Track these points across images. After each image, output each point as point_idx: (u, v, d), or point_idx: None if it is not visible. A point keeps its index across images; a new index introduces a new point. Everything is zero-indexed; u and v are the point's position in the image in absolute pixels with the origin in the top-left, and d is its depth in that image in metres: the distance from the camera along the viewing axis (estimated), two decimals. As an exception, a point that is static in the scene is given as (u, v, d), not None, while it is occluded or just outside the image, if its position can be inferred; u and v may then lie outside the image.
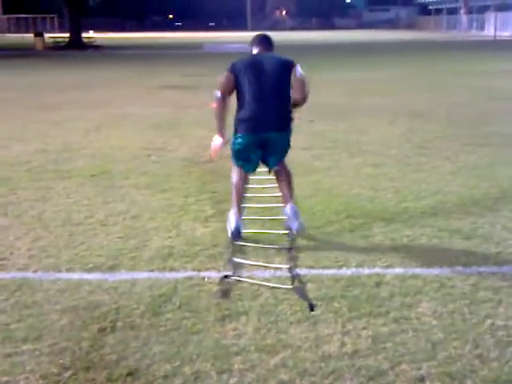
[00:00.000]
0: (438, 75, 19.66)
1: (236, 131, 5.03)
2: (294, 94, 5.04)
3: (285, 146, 5.13)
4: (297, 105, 5.12)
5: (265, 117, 4.93)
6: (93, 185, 6.79)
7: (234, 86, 5.00)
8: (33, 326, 3.66)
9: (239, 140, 5.00)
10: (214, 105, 5.14)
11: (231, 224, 5.03)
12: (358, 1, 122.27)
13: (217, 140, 5.16)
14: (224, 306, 3.89)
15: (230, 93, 5.07)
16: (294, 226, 5.01)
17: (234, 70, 5.02)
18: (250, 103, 4.93)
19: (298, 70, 5.00)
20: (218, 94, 5.07)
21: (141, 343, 3.48)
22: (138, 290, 4.13)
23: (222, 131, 5.14)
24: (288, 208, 5.09)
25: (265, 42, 5.28)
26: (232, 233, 4.99)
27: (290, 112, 5.07)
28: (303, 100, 5.11)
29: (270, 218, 5.57)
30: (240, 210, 5.11)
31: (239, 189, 5.15)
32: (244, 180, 5.16)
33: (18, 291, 4.14)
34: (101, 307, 3.90)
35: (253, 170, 5.18)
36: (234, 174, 5.20)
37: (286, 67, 5.01)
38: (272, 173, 5.27)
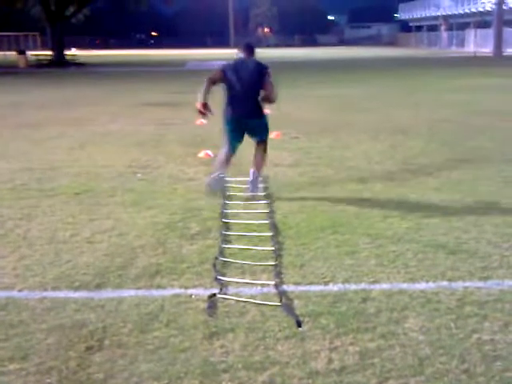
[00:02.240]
0: (419, 91, 19.84)
1: (225, 116, 6.84)
2: (266, 92, 6.77)
3: (263, 127, 6.96)
4: (268, 100, 6.83)
5: (243, 109, 6.78)
6: (77, 203, 6.76)
7: (221, 80, 6.82)
8: (19, 346, 3.64)
9: (227, 122, 6.87)
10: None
11: (206, 181, 6.99)
12: (340, 18, 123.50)
13: (197, 103, 6.83)
14: (211, 324, 3.89)
15: (215, 82, 6.84)
16: (249, 188, 6.86)
17: (224, 69, 6.82)
18: (233, 98, 6.78)
19: (269, 76, 6.76)
20: (208, 79, 6.80)
21: (128, 361, 3.46)
22: (125, 308, 4.12)
23: (202, 99, 6.80)
24: (251, 172, 6.88)
25: (248, 49, 6.98)
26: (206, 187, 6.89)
27: (261, 104, 6.84)
28: (272, 99, 6.82)
29: (256, 234, 5.59)
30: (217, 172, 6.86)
31: (221, 163, 6.95)
32: (226, 159, 6.96)
33: (3, 310, 4.11)
34: (87, 326, 3.88)
35: (236, 143, 6.97)
36: (220, 154, 7.09)
37: (261, 71, 6.78)
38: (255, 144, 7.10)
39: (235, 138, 6.93)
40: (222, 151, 7.05)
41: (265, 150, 7.07)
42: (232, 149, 6.98)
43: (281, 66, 32.39)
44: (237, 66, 6.82)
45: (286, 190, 7.19)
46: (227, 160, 6.99)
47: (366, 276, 4.60)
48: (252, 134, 7.00)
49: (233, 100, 6.79)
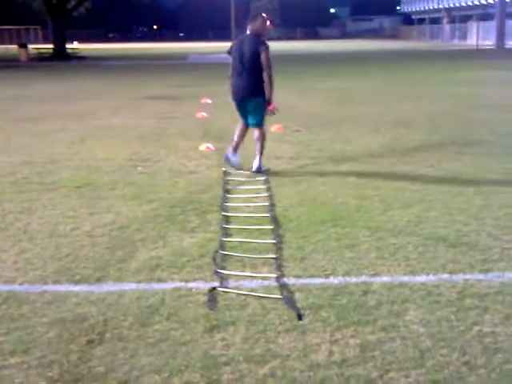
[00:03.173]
0: (420, 84, 19.81)
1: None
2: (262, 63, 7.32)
3: (257, 107, 7.47)
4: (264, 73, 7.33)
5: (240, 87, 7.49)
6: (78, 196, 6.76)
7: None
8: (20, 339, 3.64)
9: (231, 100, 7.74)
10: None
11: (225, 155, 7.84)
12: (342, 11, 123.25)
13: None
14: (212, 317, 3.89)
15: None
16: (253, 167, 7.66)
17: (230, 51, 7.62)
18: (234, 77, 7.58)
19: (264, 54, 7.27)
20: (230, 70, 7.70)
21: (129, 355, 3.46)
22: (126, 302, 4.12)
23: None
24: (256, 160, 7.68)
25: (249, 23, 7.53)
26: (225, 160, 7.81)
27: (261, 82, 7.34)
28: (267, 74, 7.31)
29: (257, 227, 5.58)
30: (236, 148, 7.81)
31: (238, 134, 7.81)
32: (242, 130, 7.82)
33: (4, 304, 4.11)
34: (88, 319, 3.88)
35: (246, 121, 7.74)
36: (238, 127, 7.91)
37: (257, 51, 7.29)
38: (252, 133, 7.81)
39: (242, 114, 7.74)
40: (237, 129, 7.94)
41: (262, 135, 7.67)
42: (244, 121, 7.77)
43: (283, 59, 32.34)
44: (237, 48, 7.50)
45: (286, 182, 7.18)
46: (242, 130, 7.83)
47: (366, 269, 4.60)
48: (248, 110, 7.59)
49: (233, 79, 7.60)
